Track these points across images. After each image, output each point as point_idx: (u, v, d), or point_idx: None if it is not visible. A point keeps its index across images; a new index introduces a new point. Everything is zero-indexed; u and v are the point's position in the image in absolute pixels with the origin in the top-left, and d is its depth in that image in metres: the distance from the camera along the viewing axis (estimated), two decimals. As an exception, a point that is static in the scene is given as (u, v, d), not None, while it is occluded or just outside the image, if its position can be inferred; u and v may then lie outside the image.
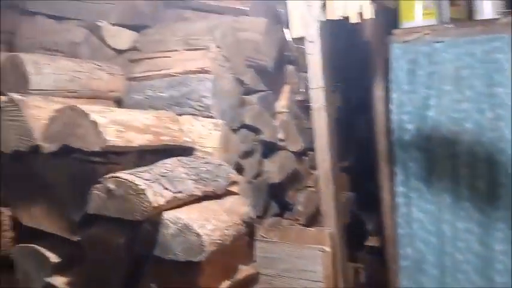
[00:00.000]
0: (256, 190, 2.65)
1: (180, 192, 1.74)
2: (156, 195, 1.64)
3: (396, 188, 2.94)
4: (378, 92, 3.16)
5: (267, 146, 2.82)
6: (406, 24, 2.90)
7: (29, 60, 1.94)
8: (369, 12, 2.11)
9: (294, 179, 3.09)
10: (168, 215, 1.67)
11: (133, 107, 2.39)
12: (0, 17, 2.81)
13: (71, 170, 1.78)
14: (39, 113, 1.80)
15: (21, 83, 1.92)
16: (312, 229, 2.38)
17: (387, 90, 3.03)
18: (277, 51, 2.78)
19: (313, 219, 3.10)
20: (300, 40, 2.30)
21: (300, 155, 3.16)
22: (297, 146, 3.04)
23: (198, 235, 1.63)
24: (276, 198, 2.95)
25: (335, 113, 2.43)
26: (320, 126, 2.27)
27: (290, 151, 2.99)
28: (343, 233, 2.42)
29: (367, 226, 3.75)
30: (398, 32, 2.90)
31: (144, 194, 1.59)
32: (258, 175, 2.73)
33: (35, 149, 1.76)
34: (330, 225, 2.34)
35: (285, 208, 3.04)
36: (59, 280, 1.86)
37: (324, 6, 2.21)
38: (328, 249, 2.25)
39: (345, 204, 3.41)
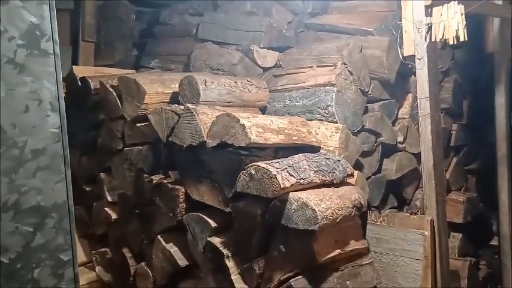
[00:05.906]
0: (375, 185, 3.10)
1: (302, 178, 2.30)
2: (284, 179, 2.21)
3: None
4: (500, 99, 3.37)
5: (388, 148, 3.24)
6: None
7: (200, 79, 2.67)
8: (463, 36, 2.43)
9: (414, 178, 3.46)
10: (292, 195, 2.24)
11: (275, 114, 3.03)
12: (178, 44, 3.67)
13: (226, 159, 2.46)
14: (206, 118, 2.51)
15: (194, 96, 2.66)
16: (415, 216, 2.77)
17: (508, 98, 3.25)
18: (398, 65, 3.20)
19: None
20: (411, 57, 2.69)
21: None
22: (417, 148, 3.39)
23: (313, 211, 2.17)
24: (395, 194, 3.36)
25: (439, 119, 2.77)
26: (425, 131, 2.65)
27: (410, 152, 3.36)
28: (444, 221, 2.76)
29: (492, 226, 3.91)
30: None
31: (275, 178, 2.18)
32: (377, 173, 3.18)
33: (203, 144, 2.46)
34: (431, 214, 2.70)
35: (404, 203, 3.43)
36: (216, 240, 2.48)
37: (429, 29, 2.58)
38: (427, 233, 2.63)
39: (469, 204, 3.66)
